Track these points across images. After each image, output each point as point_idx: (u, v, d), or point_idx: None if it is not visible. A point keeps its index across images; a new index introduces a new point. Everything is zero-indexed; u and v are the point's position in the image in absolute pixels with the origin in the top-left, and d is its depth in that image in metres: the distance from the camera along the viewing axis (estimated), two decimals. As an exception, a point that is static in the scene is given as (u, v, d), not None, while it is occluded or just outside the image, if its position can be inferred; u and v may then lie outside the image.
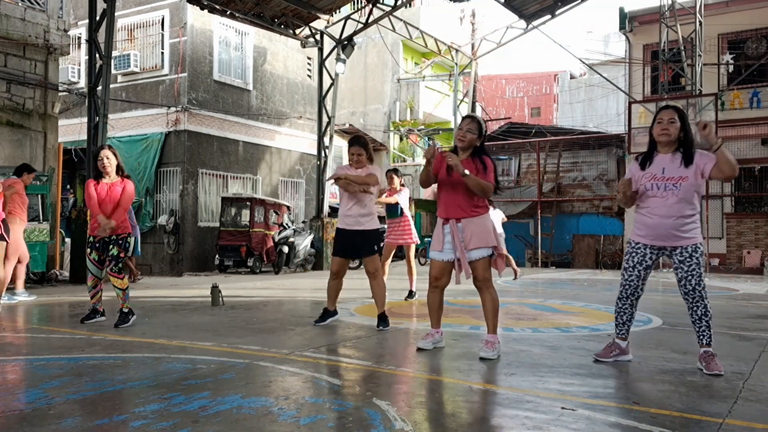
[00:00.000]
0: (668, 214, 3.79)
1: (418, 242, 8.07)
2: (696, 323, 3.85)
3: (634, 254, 3.98)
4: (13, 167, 10.48)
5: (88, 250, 5.70)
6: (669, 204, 3.79)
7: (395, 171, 7.95)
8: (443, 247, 4.35)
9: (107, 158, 5.70)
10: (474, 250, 4.24)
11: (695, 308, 3.82)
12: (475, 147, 4.35)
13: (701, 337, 3.85)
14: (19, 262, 7.51)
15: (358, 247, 5.49)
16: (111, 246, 5.64)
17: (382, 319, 5.52)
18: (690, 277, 3.79)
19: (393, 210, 7.79)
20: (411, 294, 7.95)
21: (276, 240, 14.77)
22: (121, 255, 5.66)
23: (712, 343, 3.86)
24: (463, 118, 4.50)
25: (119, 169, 5.80)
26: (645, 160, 3.98)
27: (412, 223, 7.85)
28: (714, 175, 3.75)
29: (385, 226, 7.82)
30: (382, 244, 5.68)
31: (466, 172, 4.13)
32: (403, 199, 7.77)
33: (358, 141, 5.62)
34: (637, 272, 3.97)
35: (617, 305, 4.11)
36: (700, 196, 3.89)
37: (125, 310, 5.66)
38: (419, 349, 4.45)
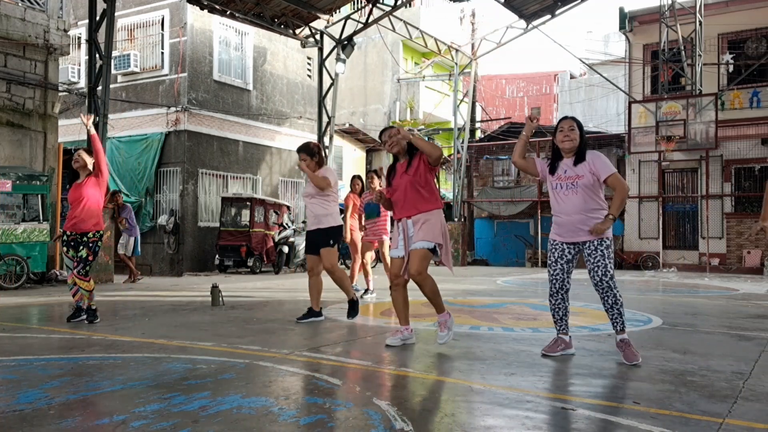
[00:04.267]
0: (573, 210, 4.09)
1: None
2: (608, 311, 4.15)
3: (553, 250, 4.28)
4: (14, 167, 10.52)
5: (65, 248, 5.83)
6: (573, 202, 4.08)
7: (375, 172, 8.06)
8: (398, 245, 4.52)
9: (78, 155, 5.78)
10: (417, 242, 4.36)
11: (605, 298, 4.12)
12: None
13: (614, 324, 4.15)
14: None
15: (317, 243, 5.76)
16: (81, 247, 5.66)
17: (352, 307, 5.84)
18: (596, 269, 4.09)
19: (372, 211, 7.94)
20: (366, 292, 8.09)
21: (276, 240, 14.78)
22: (90, 258, 5.67)
23: (626, 329, 4.16)
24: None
25: (94, 167, 5.78)
26: (552, 164, 4.24)
27: (389, 222, 7.93)
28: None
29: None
30: (338, 241, 5.86)
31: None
32: None
33: (302, 147, 5.82)
34: (560, 266, 4.23)
35: (550, 302, 4.34)
36: (602, 192, 4.14)
37: (93, 307, 5.78)
38: (387, 346, 4.53)
